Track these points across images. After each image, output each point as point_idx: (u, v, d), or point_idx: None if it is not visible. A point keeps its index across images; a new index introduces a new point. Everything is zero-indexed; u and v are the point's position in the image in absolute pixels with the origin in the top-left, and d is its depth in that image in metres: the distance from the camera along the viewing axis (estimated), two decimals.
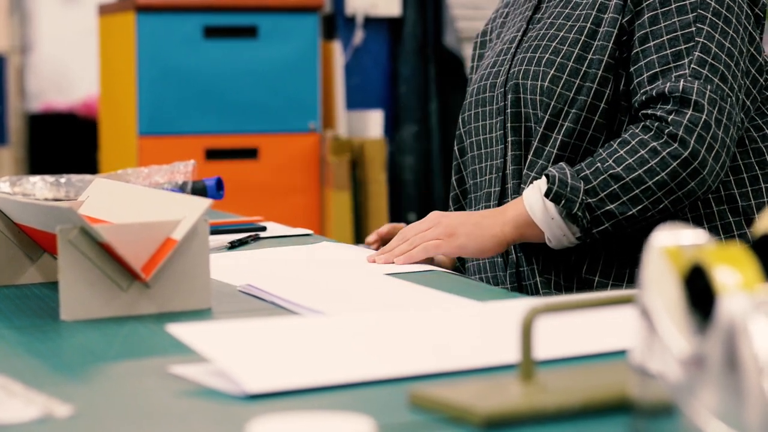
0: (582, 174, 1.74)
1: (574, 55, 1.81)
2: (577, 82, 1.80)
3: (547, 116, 1.81)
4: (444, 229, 1.76)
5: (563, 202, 1.72)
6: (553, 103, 1.81)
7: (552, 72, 1.82)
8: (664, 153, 1.72)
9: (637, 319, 0.85)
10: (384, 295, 1.52)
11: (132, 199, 1.56)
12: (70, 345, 1.27)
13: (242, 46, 4.21)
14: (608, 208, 1.72)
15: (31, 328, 1.33)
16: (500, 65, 1.92)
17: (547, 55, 1.83)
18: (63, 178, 2.23)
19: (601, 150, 1.77)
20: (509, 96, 1.86)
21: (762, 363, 0.73)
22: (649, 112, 1.75)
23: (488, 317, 1.30)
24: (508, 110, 1.86)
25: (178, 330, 1.13)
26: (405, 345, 1.17)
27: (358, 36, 4.76)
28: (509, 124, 1.86)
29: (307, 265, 1.76)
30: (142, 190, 1.60)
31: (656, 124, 1.73)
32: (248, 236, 1.99)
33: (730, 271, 0.78)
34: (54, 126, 5.75)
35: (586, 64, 1.81)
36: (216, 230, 2.04)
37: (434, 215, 1.80)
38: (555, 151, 1.80)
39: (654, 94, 1.75)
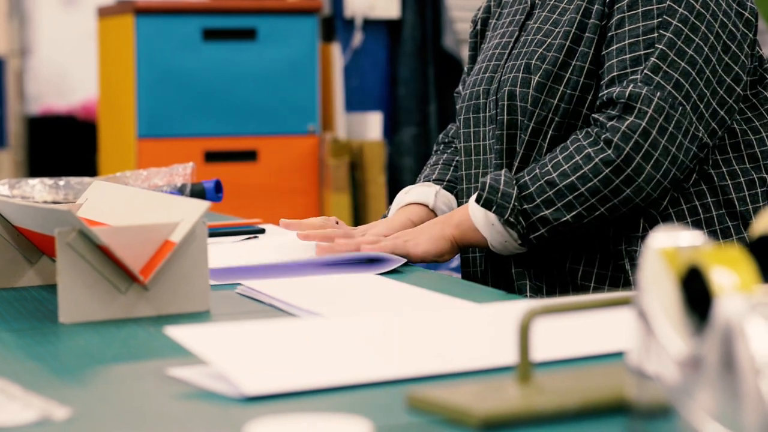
0: (521, 180, 1.75)
1: (559, 61, 1.79)
2: (561, 88, 1.79)
3: (532, 124, 1.80)
4: (398, 235, 1.79)
5: (494, 208, 1.74)
6: (538, 111, 1.79)
7: (537, 78, 1.80)
8: (596, 159, 1.71)
9: (634, 321, 0.85)
10: (381, 297, 1.52)
11: (131, 202, 1.56)
12: (68, 348, 1.27)
13: (241, 49, 4.21)
14: (543, 214, 1.73)
15: (30, 331, 1.33)
16: (492, 71, 1.90)
17: (533, 62, 1.81)
18: (62, 181, 2.23)
19: (546, 156, 1.77)
20: (501, 104, 1.85)
21: (759, 364, 0.73)
22: (596, 116, 1.74)
23: (486, 319, 1.30)
24: (500, 118, 1.85)
25: (177, 332, 1.13)
26: (403, 347, 1.17)
27: (357, 38, 4.76)
28: (497, 132, 1.84)
29: (304, 266, 1.76)
30: (140, 192, 1.60)
31: (596, 129, 1.73)
32: (247, 239, 1.99)
33: (727, 272, 0.78)
34: (53, 129, 5.75)
35: (569, 71, 1.79)
36: (215, 233, 2.04)
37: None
38: (542, 159, 1.78)
39: (605, 98, 1.74)
